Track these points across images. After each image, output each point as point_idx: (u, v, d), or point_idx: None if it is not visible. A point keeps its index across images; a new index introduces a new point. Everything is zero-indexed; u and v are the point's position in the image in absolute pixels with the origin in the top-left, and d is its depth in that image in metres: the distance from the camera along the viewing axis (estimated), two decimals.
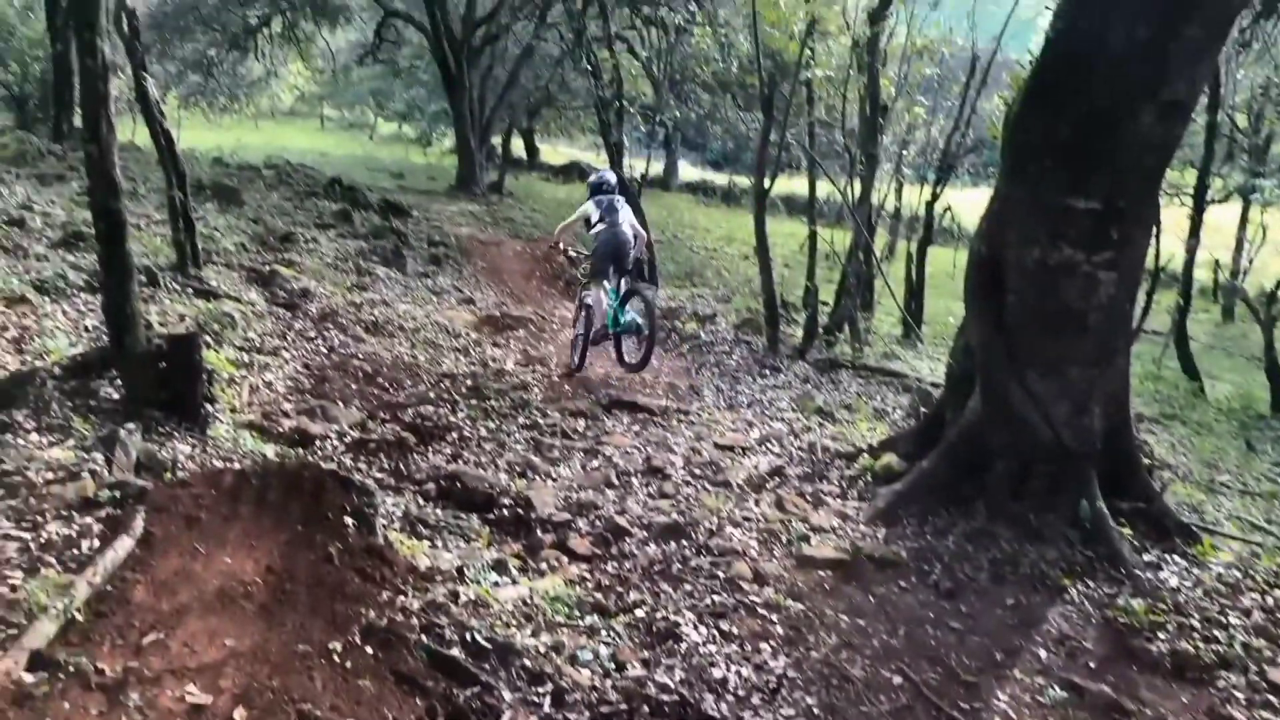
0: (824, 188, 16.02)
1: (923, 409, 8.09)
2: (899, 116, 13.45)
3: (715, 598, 4.57)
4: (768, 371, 9.94)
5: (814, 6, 10.24)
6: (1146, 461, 6.50)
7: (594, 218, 9.14)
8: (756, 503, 5.93)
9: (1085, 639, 4.52)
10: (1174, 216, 12.47)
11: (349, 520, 4.15)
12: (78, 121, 18.19)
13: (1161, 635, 4.46)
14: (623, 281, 9.19)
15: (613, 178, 9.65)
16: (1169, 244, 9.77)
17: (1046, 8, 5.80)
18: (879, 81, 11.64)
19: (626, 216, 9.17)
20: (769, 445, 7.29)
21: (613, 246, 9.01)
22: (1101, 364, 5.45)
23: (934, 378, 9.90)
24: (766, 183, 11.06)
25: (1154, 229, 5.58)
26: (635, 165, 18.35)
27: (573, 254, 9.58)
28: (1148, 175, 5.28)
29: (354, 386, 7.67)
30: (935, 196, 13.39)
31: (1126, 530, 5.43)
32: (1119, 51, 4.97)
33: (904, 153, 14.50)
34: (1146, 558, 5.34)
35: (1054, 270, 5.28)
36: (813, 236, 12.67)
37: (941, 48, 12.71)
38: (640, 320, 8.90)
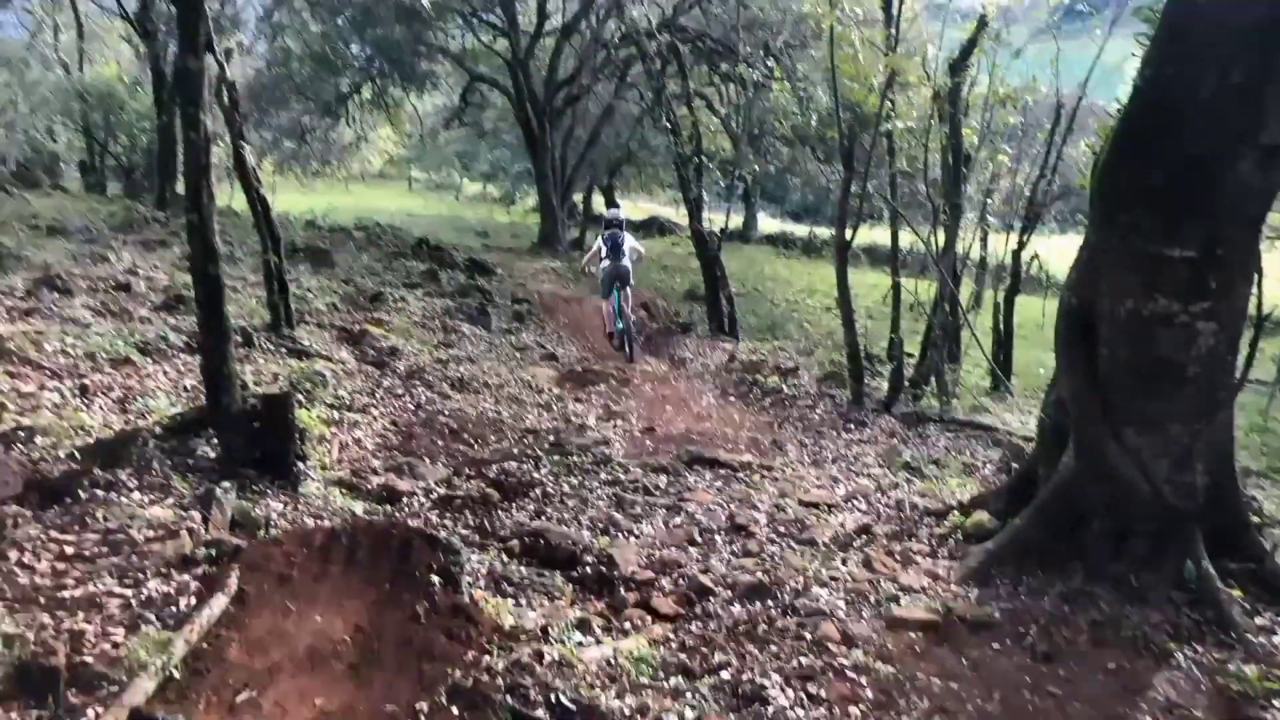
0: (906, 238, 15.89)
1: (1014, 464, 7.87)
2: (982, 165, 13.28)
3: (802, 660, 4.47)
4: (852, 426, 9.80)
5: (893, 60, 10.22)
6: (1255, 519, 6.19)
7: (603, 253, 13.04)
8: (844, 561, 5.81)
9: (1195, 707, 4.29)
10: (1278, 261, 12.00)
11: (436, 579, 4.19)
12: (180, 189, 19.09)
13: (1278, 704, 4.22)
14: (628, 291, 13.07)
15: (621, 215, 13.72)
16: (1273, 290, 9.39)
17: (1134, 55, 5.68)
18: (961, 131, 11.52)
19: (626, 247, 13.06)
20: (855, 502, 7.16)
21: (614, 275, 12.97)
22: (1203, 417, 5.24)
23: (1025, 431, 9.63)
24: (848, 234, 10.99)
25: (1257, 276, 5.36)
26: (714, 219, 18.41)
27: (593, 270, 14.22)
28: (1248, 222, 5.10)
29: (440, 443, 7.78)
30: (1022, 245, 13.15)
31: (1236, 592, 5.17)
32: (1212, 97, 4.84)
33: (988, 201, 14.30)
34: (1259, 621, 5.07)
35: (1149, 321, 5.12)
36: (896, 288, 12.53)
37: (1025, 96, 12.53)
38: (626, 327, 12.95)
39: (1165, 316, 5.08)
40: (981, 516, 6.24)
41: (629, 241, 13.15)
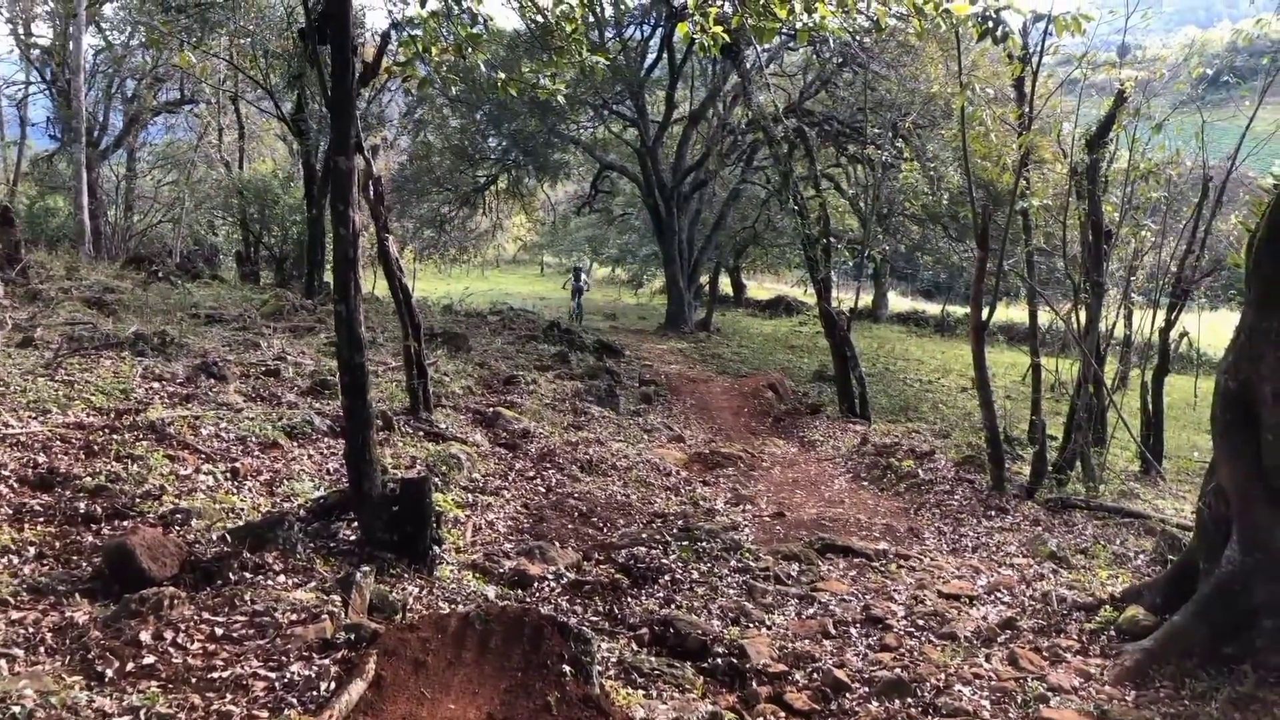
0: (1045, 316, 15.39)
1: (1170, 556, 7.43)
2: (1124, 241, 12.82)
3: None
4: (993, 513, 9.42)
5: (1027, 138, 10.05)
6: None
7: (572, 282, 29.53)
8: (987, 658, 5.55)
9: None
10: None
11: (567, 668, 4.17)
12: (327, 277, 20.10)
13: None
14: (581, 300, 29.24)
15: (582, 267, 33.26)
16: None
17: None
18: (1101, 208, 11.17)
19: (581, 278, 29.79)
20: (998, 594, 6.85)
21: (574, 289, 29.17)
22: None
23: (1179, 519, 9.09)
24: (984, 314, 10.70)
25: None
26: (843, 299, 18.24)
27: (570, 289, 29.70)
28: None
29: (570, 526, 7.83)
30: (1170, 323, 12.57)
31: None
32: None
33: (1132, 278, 13.76)
34: None
35: None
36: (1036, 369, 12.13)
37: (1168, 169, 12.08)
38: (576, 314, 28.09)
39: None
40: (1136, 611, 5.89)
41: (584, 276, 29.55)
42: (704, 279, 31.60)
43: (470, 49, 6.95)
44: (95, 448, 6.68)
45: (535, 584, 6.19)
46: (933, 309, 36.67)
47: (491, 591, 5.88)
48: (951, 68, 16.34)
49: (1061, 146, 12.25)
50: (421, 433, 9.32)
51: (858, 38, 18.25)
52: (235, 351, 11.30)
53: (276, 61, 21.42)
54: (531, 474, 9.24)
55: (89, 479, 6.07)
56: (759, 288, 42.97)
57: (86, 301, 12.82)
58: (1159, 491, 11.22)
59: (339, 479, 7.15)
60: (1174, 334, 12.95)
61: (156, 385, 8.89)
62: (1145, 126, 11.12)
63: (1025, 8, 10.80)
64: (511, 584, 6.14)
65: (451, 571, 5.98)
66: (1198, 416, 17.50)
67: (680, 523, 8.10)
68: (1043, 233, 13.33)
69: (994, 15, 6.40)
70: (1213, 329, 20.56)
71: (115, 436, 6.95)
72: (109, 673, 3.89)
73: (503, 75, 7.27)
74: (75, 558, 5.07)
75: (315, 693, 3.90)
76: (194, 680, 3.92)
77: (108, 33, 27.18)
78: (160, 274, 17.56)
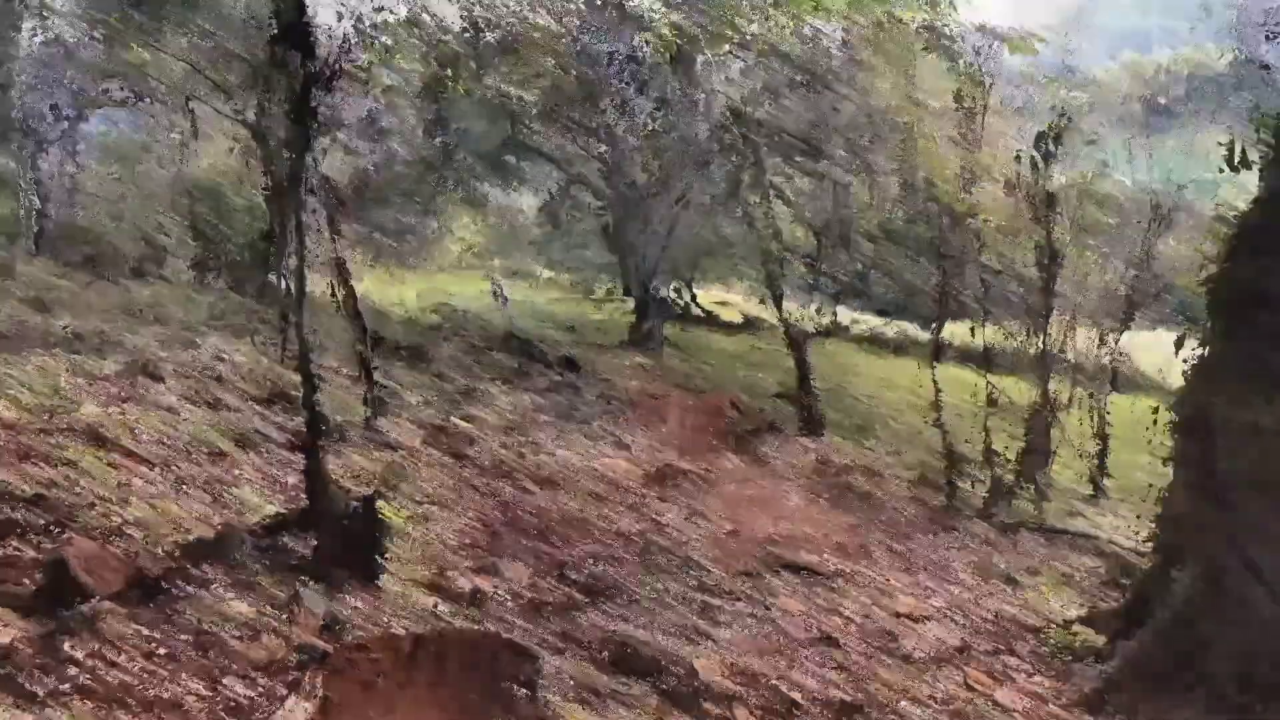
0: (996, 334, 15.56)
1: (1118, 578, 7.53)
2: (1073, 262, 13.01)
3: None
4: (944, 531, 9.47)
5: (976, 158, 10.17)
6: None
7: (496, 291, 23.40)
8: (938, 678, 5.55)
9: None
10: None
11: (520, 690, 4.08)
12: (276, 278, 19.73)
13: None
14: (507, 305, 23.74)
15: (498, 281, 24.34)
16: None
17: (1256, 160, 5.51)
18: (1051, 228, 11.33)
19: (501, 290, 23.39)
20: (950, 614, 6.87)
21: (503, 299, 22.77)
22: None
23: (1124, 539, 9.23)
24: (937, 332, 10.79)
25: None
26: (795, 312, 18.26)
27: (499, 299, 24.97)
28: None
29: (524, 542, 7.70)
30: (1117, 344, 12.77)
31: None
32: None
33: (1080, 299, 13.97)
34: None
35: (1276, 433, 4.85)
36: (988, 389, 12.24)
37: (1113, 191, 12.31)
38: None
39: None
40: (1087, 633, 5.94)
41: (502, 288, 25.29)
42: (664, 292, 31.58)
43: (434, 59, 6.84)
44: (29, 453, 6.43)
45: (487, 601, 6.08)
46: (885, 326, 36.98)
47: (443, 609, 5.75)
48: (899, 83, 16.49)
49: (1013, 168, 12.40)
50: (372, 443, 9.14)
51: (808, 45, 18.25)
52: (178, 353, 11.00)
53: (235, 61, 21.03)
54: (485, 487, 9.10)
55: (24, 486, 5.84)
56: (716, 303, 43.11)
57: (23, 300, 12.44)
58: (1101, 510, 11.40)
59: (288, 490, 6.97)
60: (1120, 355, 13.15)
61: (93, 387, 8.60)
62: (1086, 145, 11.33)
63: (969, 22, 10.99)
64: (463, 601, 6.01)
65: (401, 588, 5.84)
66: (1138, 436, 17.76)
67: (635, 538, 8.03)
68: (994, 252, 13.46)
69: (939, 27, 6.43)
70: (1147, 349, 20.96)
71: (50, 440, 6.71)
72: (40, 692, 3.72)
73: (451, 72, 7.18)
74: (9, 571, 4.86)
75: (258, 715, 3.77)
76: (130, 701, 3.76)
77: (53, 23, 26.50)
78: (104, 273, 17.12)
